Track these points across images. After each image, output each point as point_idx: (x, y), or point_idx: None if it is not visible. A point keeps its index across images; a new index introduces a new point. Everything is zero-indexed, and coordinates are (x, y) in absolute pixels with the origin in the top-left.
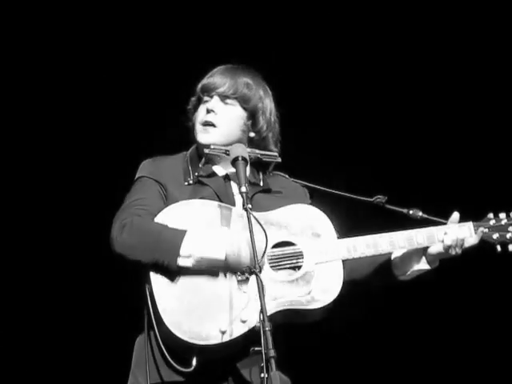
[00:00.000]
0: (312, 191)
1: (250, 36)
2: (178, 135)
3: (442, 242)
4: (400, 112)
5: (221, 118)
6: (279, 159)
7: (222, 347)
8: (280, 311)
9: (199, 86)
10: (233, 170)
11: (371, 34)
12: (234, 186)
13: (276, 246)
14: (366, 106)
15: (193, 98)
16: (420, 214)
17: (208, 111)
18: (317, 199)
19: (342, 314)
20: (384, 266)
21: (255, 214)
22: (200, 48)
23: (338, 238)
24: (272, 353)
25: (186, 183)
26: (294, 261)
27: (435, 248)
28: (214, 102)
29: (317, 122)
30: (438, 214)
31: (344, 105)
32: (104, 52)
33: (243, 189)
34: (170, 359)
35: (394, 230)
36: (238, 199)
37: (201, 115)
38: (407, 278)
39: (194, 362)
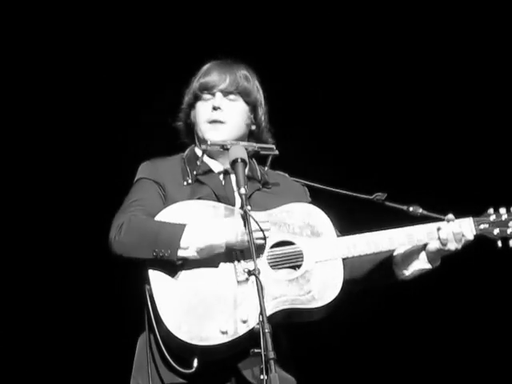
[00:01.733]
0: (311, 189)
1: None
2: (166, 137)
3: (439, 238)
4: (396, 107)
5: (228, 114)
6: (276, 151)
7: (223, 348)
8: (280, 310)
9: (197, 84)
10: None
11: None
12: (233, 181)
13: (275, 245)
14: (362, 101)
15: (187, 97)
16: (420, 210)
17: (214, 108)
18: (316, 197)
19: (345, 314)
20: (385, 265)
21: (254, 213)
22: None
23: (338, 236)
24: (271, 355)
25: (185, 183)
26: (294, 260)
27: (434, 245)
28: (219, 99)
29: (313, 119)
30: (437, 211)
31: (340, 100)
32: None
33: (242, 190)
34: (170, 361)
35: (393, 227)
36: (238, 197)
37: (206, 113)
38: (408, 277)
39: (196, 363)
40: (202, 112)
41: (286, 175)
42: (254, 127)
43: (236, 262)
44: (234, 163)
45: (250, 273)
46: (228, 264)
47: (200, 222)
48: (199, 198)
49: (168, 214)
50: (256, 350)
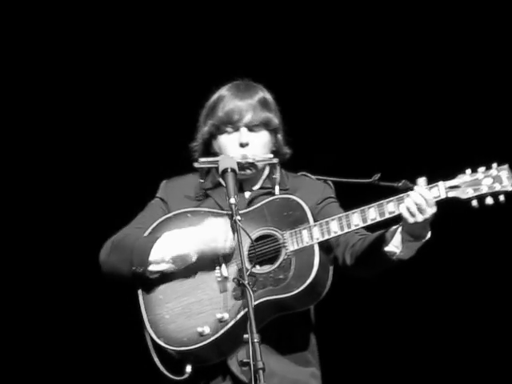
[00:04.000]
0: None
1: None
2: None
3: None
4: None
5: (254, 149)
6: (274, 160)
7: (207, 350)
8: (261, 302)
9: (218, 117)
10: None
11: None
12: (246, 195)
13: (256, 240)
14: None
15: (207, 128)
16: (410, 184)
17: (242, 145)
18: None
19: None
20: (378, 244)
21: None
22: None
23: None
24: (260, 364)
25: (197, 199)
26: (273, 252)
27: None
28: (246, 135)
29: None
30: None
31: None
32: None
33: (232, 200)
34: (163, 369)
35: None
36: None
37: (233, 149)
38: (401, 255)
39: (189, 368)
40: (229, 147)
41: (310, 175)
42: (274, 148)
43: (217, 265)
44: (223, 173)
45: (239, 283)
46: (210, 266)
47: (171, 233)
48: None
49: (155, 228)
50: (245, 360)
